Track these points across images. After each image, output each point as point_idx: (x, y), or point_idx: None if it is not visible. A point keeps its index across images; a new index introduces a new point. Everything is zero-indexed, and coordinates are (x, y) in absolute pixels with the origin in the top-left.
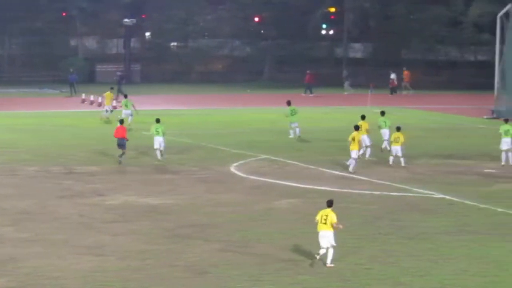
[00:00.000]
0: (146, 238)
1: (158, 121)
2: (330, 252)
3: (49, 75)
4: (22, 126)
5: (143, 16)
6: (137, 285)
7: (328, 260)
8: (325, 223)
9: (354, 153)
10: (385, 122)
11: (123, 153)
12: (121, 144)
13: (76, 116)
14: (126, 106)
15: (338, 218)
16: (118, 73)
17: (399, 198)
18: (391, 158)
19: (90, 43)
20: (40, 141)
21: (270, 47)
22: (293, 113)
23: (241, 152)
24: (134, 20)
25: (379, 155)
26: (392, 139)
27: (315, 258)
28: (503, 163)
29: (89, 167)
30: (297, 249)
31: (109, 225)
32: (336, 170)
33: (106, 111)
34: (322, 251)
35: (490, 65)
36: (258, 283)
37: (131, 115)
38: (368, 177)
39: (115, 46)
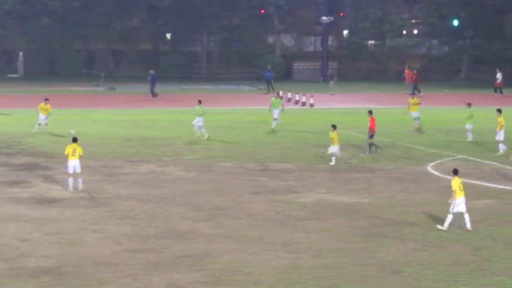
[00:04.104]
0: (339, 236)
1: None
2: (467, 217)
3: (246, 72)
4: (218, 123)
5: (341, 14)
6: (330, 283)
7: (468, 224)
8: (463, 190)
9: None
10: None
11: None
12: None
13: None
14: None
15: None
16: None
17: None
18: None
19: (287, 40)
20: (235, 138)
21: (467, 47)
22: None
23: (437, 152)
24: (331, 18)
25: None
26: None
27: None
28: None
29: (283, 164)
30: (492, 250)
31: (303, 222)
32: None
33: (39, 124)
34: (466, 217)
35: None
36: (453, 284)
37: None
38: None
39: (312, 43)
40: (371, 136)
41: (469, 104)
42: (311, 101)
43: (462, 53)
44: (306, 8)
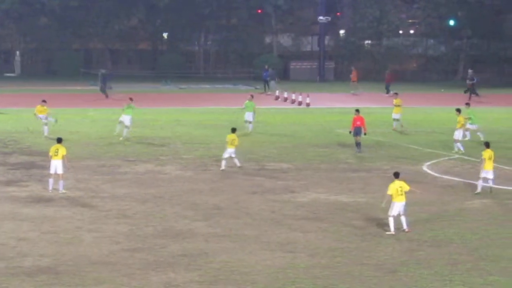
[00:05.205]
0: (336, 236)
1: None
2: (404, 219)
3: (243, 72)
4: (214, 122)
5: (338, 14)
6: (327, 283)
7: (405, 225)
8: (402, 194)
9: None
10: None
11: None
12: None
13: (269, 113)
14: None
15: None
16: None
17: None
18: None
19: (285, 40)
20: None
21: (465, 47)
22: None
23: (433, 151)
24: (329, 18)
25: None
26: None
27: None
28: None
29: (280, 163)
30: (488, 250)
31: (300, 222)
32: None
33: (46, 124)
34: (404, 220)
35: None
36: (449, 283)
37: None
38: None
39: (310, 43)
40: (354, 134)
41: (467, 104)
42: (308, 100)
43: (459, 53)
44: (304, 8)
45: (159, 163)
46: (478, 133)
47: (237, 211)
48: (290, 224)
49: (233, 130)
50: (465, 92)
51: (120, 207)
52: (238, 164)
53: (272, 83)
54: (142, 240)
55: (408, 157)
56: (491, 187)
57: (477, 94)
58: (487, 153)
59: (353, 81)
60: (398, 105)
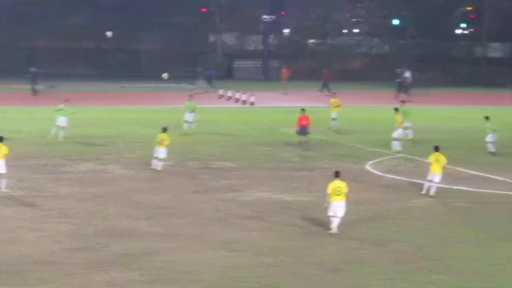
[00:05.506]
0: (280, 235)
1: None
2: (338, 220)
3: (188, 71)
4: (159, 121)
5: (282, 13)
6: (270, 281)
7: (335, 226)
8: (340, 194)
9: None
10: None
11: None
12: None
13: (213, 112)
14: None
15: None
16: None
17: None
18: None
19: (229, 39)
20: (175, 137)
21: (409, 46)
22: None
23: (376, 150)
24: (273, 17)
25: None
26: None
27: (330, 232)
28: None
29: (224, 162)
30: (432, 248)
31: (244, 221)
32: (472, 170)
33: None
34: (335, 221)
35: None
36: (391, 282)
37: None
38: (504, 177)
39: (254, 42)
40: (300, 133)
41: (402, 102)
42: (252, 99)
43: (404, 52)
44: (249, 7)
45: (102, 162)
46: (407, 131)
47: (180, 210)
48: (233, 223)
49: (164, 130)
50: (396, 90)
51: (63, 206)
52: (158, 168)
53: (211, 82)
54: (84, 239)
55: (352, 156)
56: (429, 190)
57: (406, 92)
58: (434, 157)
59: (284, 79)
60: (337, 105)
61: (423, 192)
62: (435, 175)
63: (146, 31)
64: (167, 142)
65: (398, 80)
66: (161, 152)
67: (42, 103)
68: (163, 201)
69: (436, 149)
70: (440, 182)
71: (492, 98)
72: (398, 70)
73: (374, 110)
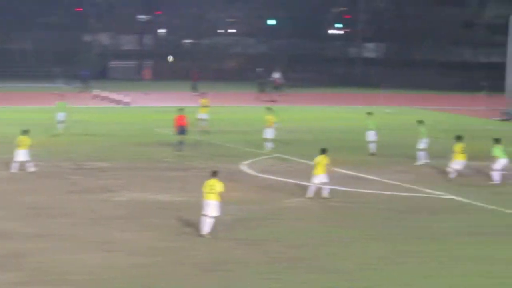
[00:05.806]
0: (154, 235)
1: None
2: (211, 223)
3: (62, 70)
4: (32, 121)
5: (158, 12)
6: (145, 282)
7: (207, 229)
8: (212, 193)
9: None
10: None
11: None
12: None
13: (87, 112)
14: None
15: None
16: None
17: (408, 199)
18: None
19: (104, 39)
20: (50, 137)
21: (285, 46)
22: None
23: (252, 150)
24: (148, 16)
25: (388, 155)
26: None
27: (202, 234)
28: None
29: (98, 163)
30: (307, 248)
31: (119, 221)
32: (347, 170)
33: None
34: (207, 221)
35: (503, 67)
36: (266, 281)
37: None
38: (378, 177)
39: (130, 42)
40: (178, 133)
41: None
42: (127, 99)
43: (280, 53)
44: (124, 7)
45: None
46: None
47: (55, 210)
48: (108, 223)
49: (24, 132)
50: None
51: None
52: (31, 169)
53: (85, 82)
54: None
55: (227, 155)
56: (317, 193)
57: (263, 91)
58: (317, 159)
59: (146, 79)
60: (206, 105)
61: (310, 195)
62: (317, 177)
63: (19, 31)
64: (27, 144)
65: (259, 80)
66: (20, 154)
67: None
68: (36, 201)
69: (322, 151)
70: (327, 183)
71: (367, 98)
72: (259, 70)
73: (248, 110)
